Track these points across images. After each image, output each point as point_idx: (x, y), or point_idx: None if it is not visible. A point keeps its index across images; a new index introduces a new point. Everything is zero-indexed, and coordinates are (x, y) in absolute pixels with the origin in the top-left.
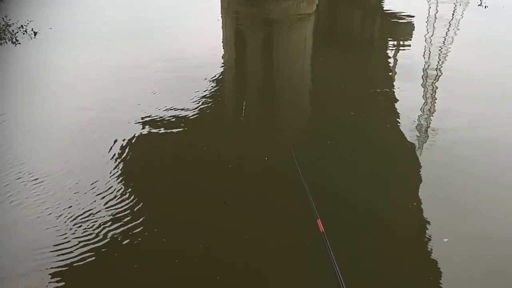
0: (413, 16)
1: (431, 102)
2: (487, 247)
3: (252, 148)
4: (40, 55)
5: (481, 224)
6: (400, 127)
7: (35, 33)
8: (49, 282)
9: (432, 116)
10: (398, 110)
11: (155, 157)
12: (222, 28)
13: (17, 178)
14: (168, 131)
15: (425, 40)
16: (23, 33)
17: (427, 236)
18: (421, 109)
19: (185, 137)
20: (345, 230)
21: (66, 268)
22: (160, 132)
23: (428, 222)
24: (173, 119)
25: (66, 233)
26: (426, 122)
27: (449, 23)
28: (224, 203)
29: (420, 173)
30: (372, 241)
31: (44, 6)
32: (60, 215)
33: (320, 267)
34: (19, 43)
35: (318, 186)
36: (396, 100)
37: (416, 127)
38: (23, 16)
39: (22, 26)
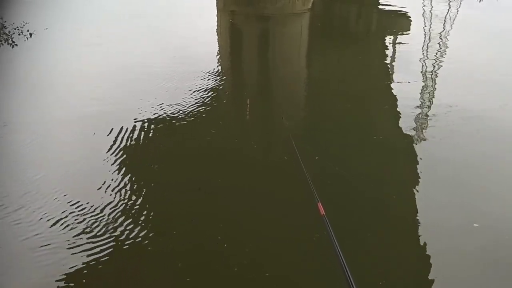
0: (409, 16)
1: (431, 95)
2: (497, 246)
3: (253, 143)
4: (36, 56)
5: (491, 221)
6: (401, 121)
7: (31, 34)
8: (46, 278)
9: (434, 109)
10: (398, 104)
11: (155, 154)
12: (217, 28)
13: (16, 180)
14: (169, 128)
15: (424, 34)
16: (19, 34)
17: (429, 234)
18: (421, 102)
19: (184, 134)
20: (348, 228)
21: (61, 263)
22: (162, 129)
23: (432, 219)
24: (174, 116)
25: (68, 230)
26: (428, 115)
27: (445, 17)
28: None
29: (421, 169)
30: (375, 239)
31: (40, 7)
32: (64, 211)
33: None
34: (16, 45)
35: (318, 181)
36: (396, 94)
37: (417, 121)
38: (19, 18)
39: (17, 27)
